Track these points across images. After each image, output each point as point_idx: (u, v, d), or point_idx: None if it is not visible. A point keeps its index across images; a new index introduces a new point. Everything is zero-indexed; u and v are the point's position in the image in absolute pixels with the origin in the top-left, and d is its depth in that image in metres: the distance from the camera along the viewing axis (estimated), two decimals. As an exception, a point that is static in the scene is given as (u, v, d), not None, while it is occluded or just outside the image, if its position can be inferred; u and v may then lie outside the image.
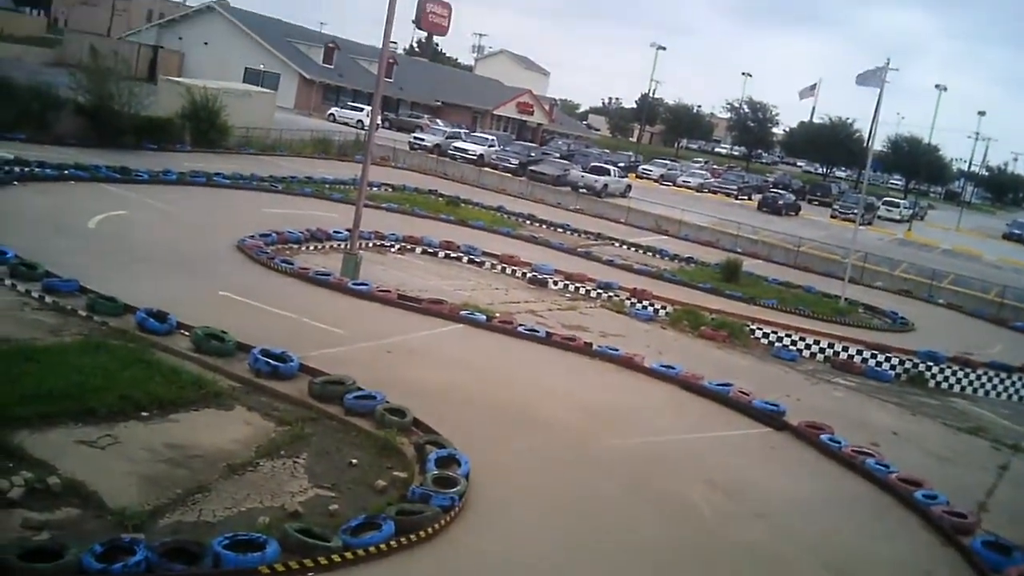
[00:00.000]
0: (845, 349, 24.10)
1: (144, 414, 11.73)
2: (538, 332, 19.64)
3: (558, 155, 65.19)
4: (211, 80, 48.40)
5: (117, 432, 11.10)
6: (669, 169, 79.01)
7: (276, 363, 13.89)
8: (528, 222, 39.24)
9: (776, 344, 24.20)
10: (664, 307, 25.54)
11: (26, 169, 26.74)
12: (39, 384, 11.62)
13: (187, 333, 14.78)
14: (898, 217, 73.80)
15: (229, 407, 12.65)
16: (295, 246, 24.71)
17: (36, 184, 25.85)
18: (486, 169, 53.60)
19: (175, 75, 61.15)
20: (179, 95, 41.18)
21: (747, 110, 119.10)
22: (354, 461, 11.63)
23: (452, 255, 27.99)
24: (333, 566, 8.90)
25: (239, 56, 73.29)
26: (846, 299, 31.45)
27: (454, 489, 10.76)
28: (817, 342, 24.29)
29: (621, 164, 67.15)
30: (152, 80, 55.35)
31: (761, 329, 24.71)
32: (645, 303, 25.62)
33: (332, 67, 78.98)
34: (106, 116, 35.13)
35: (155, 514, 9.41)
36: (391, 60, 75.90)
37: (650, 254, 36.97)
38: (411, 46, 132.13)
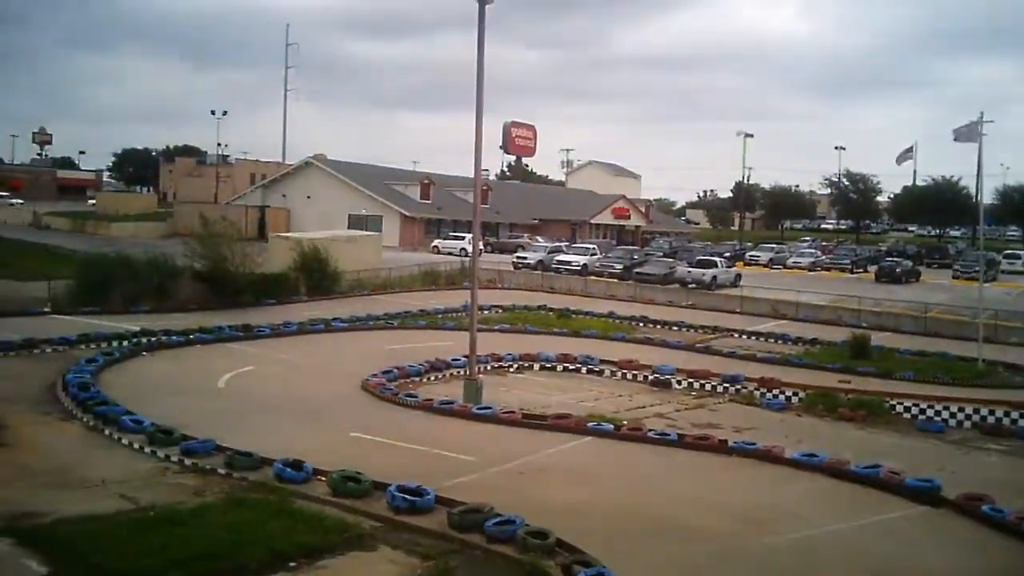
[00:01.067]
0: (992, 412, 22.95)
1: (292, 565, 11.83)
2: (669, 435, 19.26)
3: (661, 254, 65.15)
4: (318, 231, 50.45)
5: (268, 586, 11.20)
6: (777, 252, 77.83)
7: (413, 498, 13.91)
8: (641, 324, 39.01)
9: (919, 417, 23.17)
10: (795, 393, 24.80)
11: (153, 339, 28.01)
12: (188, 547, 11.90)
13: (324, 478, 15.00)
14: (1021, 269, 70.72)
15: (373, 548, 12.67)
16: (417, 378, 25.08)
17: (164, 351, 27.04)
18: (591, 278, 53.84)
19: (283, 231, 63.92)
20: (289, 249, 42.98)
21: (846, 183, 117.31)
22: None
23: (570, 367, 27.92)
24: None
25: (341, 204, 76.26)
26: (984, 360, 30.03)
27: (608, 608, 10.44)
28: (962, 409, 23.18)
29: (727, 254, 66.61)
30: (263, 238, 57.99)
31: (901, 403, 23.72)
32: (775, 392, 24.94)
33: (430, 202, 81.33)
34: (223, 278, 36.78)
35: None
36: (485, 187, 77.82)
37: (772, 340, 36.17)
38: (502, 170, 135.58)
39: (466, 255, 56.98)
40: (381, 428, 19.07)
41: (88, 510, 13.34)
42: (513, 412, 20.65)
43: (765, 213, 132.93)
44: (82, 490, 14.55)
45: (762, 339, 36.52)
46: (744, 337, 36.85)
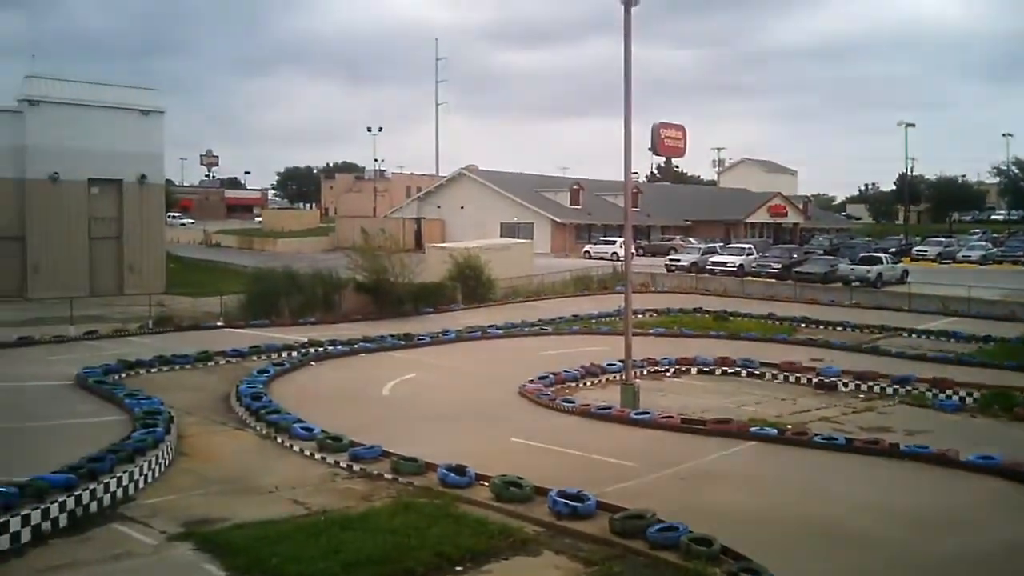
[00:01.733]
0: None
1: (458, 568, 12.06)
2: (836, 439, 18.60)
3: (821, 252, 63.17)
4: (472, 240, 51.32)
5: (435, 589, 11.45)
6: (945, 246, 74.24)
7: (574, 503, 13.93)
8: (802, 325, 37.90)
9: (1106, 417, 21.58)
10: (970, 393, 23.54)
11: (319, 349, 29.17)
12: (358, 551, 12.30)
13: (486, 483, 15.22)
14: None
15: (537, 553, 12.76)
16: (573, 384, 25.15)
17: (330, 361, 28.11)
18: (748, 278, 52.69)
19: (439, 241, 65.36)
20: (445, 259, 43.95)
21: (1016, 171, 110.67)
22: (668, 596, 11.32)
23: (729, 371, 27.37)
24: None
25: (494, 213, 77.41)
26: None
27: (777, 617, 10.17)
28: None
29: (892, 249, 63.97)
30: (420, 249, 59.43)
31: (1088, 402, 22.18)
32: (948, 392, 23.74)
33: (580, 207, 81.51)
34: (384, 289, 37.95)
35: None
36: (635, 190, 77.33)
37: (942, 339, 34.47)
38: (652, 172, 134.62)
39: (618, 259, 56.81)
40: (540, 433, 19.21)
41: (263, 515, 13.98)
42: (672, 417, 20.41)
43: (931, 205, 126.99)
44: (257, 496, 15.26)
45: (932, 337, 34.84)
46: (913, 336, 35.25)
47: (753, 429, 19.36)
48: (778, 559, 11.95)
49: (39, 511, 13.15)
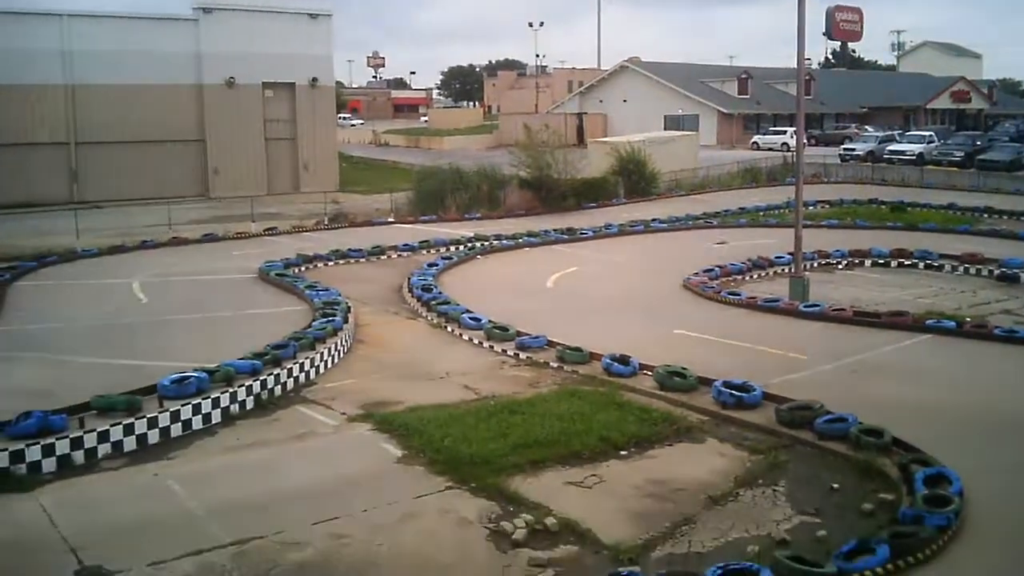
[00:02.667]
0: None
1: (623, 453, 12.33)
2: (1019, 333, 17.72)
3: (1007, 139, 58.94)
4: (634, 134, 50.52)
5: (601, 472, 11.75)
6: None
7: (740, 393, 13.92)
8: (986, 215, 35.83)
9: None
10: None
11: (485, 243, 29.74)
12: (526, 434, 12.73)
13: (649, 373, 15.36)
14: None
15: (701, 440, 12.88)
16: (739, 277, 24.77)
17: (496, 255, 28.64)
18: (928, 167, 49.92)
19: (601, 136, 64.70)
20: (607, 153, 43.53)
21: None
22: (835, 486, 11.25)
23: (906, 263, 26.27)
24: (831, 592, 8.62)
25: (657, 106, 75.75)
26: None
27: (948, 508, 9.95)
28: None
29: (1087, 134, 59.10)
30: (582, 144, 59.07)
31: None
32: None
33: (748, 97, 78.68)
34: (547, 184, 38.06)
35: (647, 547, 9.77)
36: (808, 77, 73.86)
37: None
38: (826, 58, 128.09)
39: (788, 149, 54.86)
40: (704, 325, 19.12)
41: (435, 399, 14.62)
42: (843, 309, 19.86)
43: None
44: (429, 381, 15.93)
45: None
46: (1114, 225, 32.76)
47: (929, 322, 18.65)
48: (951, 451, 11.65)
49: (228, 394, 14.21)
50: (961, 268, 25.35)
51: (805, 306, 20.28)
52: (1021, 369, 16.06)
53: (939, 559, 9.23)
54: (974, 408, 13.86)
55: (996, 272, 24.53)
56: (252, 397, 14.60)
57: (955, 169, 49.30)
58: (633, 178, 42.32)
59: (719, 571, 8.72)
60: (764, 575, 8.64)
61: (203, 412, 13.72)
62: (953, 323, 18.55)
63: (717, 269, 24.49)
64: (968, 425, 13.17)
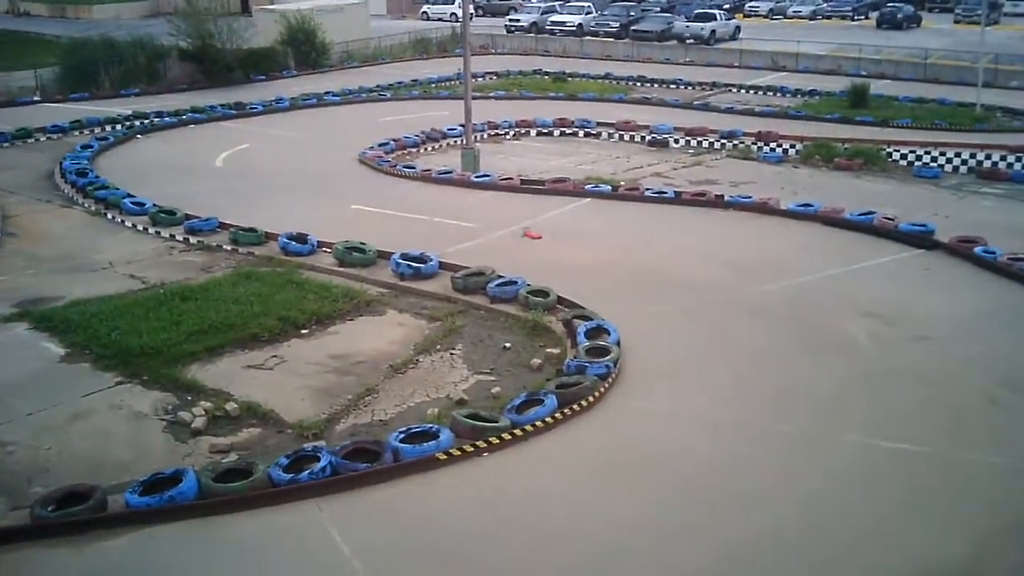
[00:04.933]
0: (988, 157, 22.97)
1: (304, 332, 12.32)
2: (666, 193, 19.42)
3: (659, 9, 62.91)
4: (303, 1, 48.57)
5: (282, 352, 11.71)
6: (777, 2, 75.14)
7: (417, 264, 14.26)
8: (638, 84, 38.32)
9: (916, 164, 23.21)
10: (793, 146, 24.71)
11: (145, 121, 27.73)
12: (201, 320, 12.36)
13: (328, 250, 15.30)
14: (1024, 11, 68.23)
15: (381, 312, 13.13)
16: (413, 149, 24.99)
17: (158, 133, 26.88)
18: (587, 38, 52.34)
19: (268, 4, 61.63)
20: (275, 23, 41.65)
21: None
22: (507, 345, 11.94)
23: (567, 132, 27.69)
24: (504, 444, 9.23)
25: (324, -28, 73.02)
26: (982, 105, 29.73)
27: (608, 357, 10.93)
28: (959, 154, 23.18)
29: (726, 6, 64.34)
30: (247, 13, 55.97)
31: (898, 151, 23.71)
32: (772, 145, 24.83)
33: (416, -35, 77.84)
34: (210, 56, 35.83)
35: (331, 421, 9.95)
36: (473, -55, 74.11)
37: (770, 94, 35.67)
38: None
39: (456, 20, 55.21)
40: (381, 200, 19.22)
41: (99, 292, 13.74)
42: (511, 178, 20.71)
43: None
44: (91, 273, 14.91)
45: (761, 93, 35.98)
46: (743, 92, 36.25)
47: (589, 187, 19.93)
48: (611, 304, 12.71)
49: None
50: (617, 135, 27.14)
51: (476, 176, 20.92)
52: (671, 225, 17.61)
53: (602, 404, 10.15)
54: (628, 264, 15.12)
55: (647, 138, 26.51)
56: None
57: (611, 39, 51.97)
58: (303, 49, 40.85)
59: (401, 435, 9.06)
60: (443, 434, 9.10)
61: None
62: (609, 187, 19.95)
63: (392, 143, 24.52)
64: (623, 280, 14.36)
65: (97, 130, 26.61)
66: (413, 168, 21.86)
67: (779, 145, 24.79)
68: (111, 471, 8.80)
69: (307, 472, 8.51)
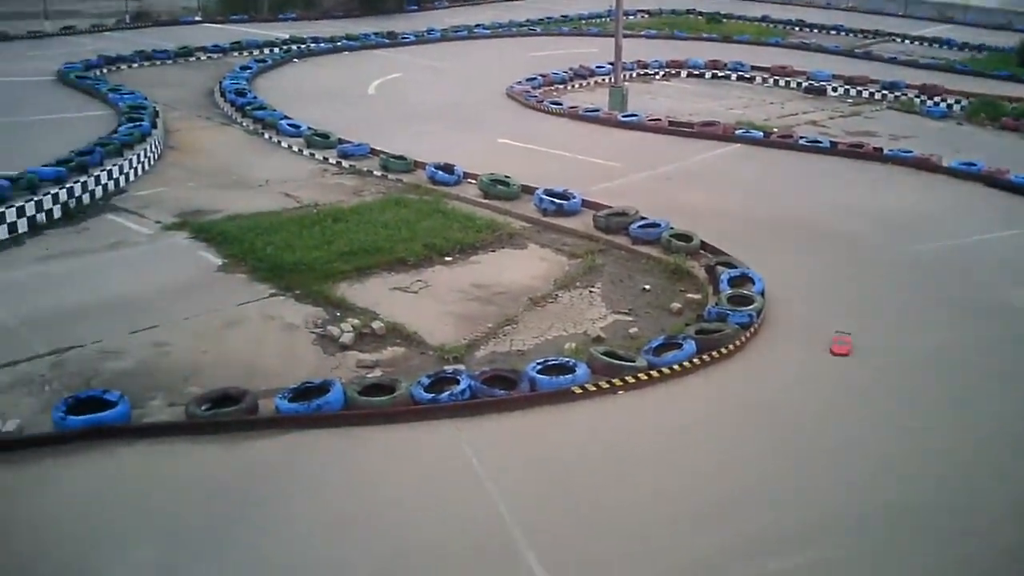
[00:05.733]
0: None
1: (448, 259, 12.54)
2: (821, 143, 18.79)
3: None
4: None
5: (426, 277, 11.95)
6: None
7: (560, 201, 14.27)
8: (797, 28, 37.06)
9: (1092, 126, 21.74)
10: (958, 101, 23.49)
11: (302, 46, 28.44)
12: (351, 241, 12.71)
13: (473, 181, 15.48)
14: None
15: (523, 246, 13.24)
16: (561, 86, 24.87)
17: (313, 58, 27.57)
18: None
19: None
20: (429, -48, 41.84)
21: None
22: (647, 287, 11.88)
23: (720, 74, 27.04)
24: (640, 384, 9.23)
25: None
26: None
27: (751, 307, 10.73)
28: None
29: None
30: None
31: (1072, 111, 22.26)
32: (936, 99, 23.67)
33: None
34: (367, -17, 36.38)
35: (471, 347, 10.13)
36: None
37: (936, 46, 33.90)
38: None
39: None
40: (527, 134, 19.27)
41: (254, 207, 14.29)
42: (659, 119, 20.39)
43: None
44: (247, 189, 15.51)
45: (926, 44, 34.27)
46: (906, 42, 34.63)
47: (739, 131, 19.47)
48: (756, 254, 12.45)
49: (33, 203, 13.38)
50: (771, 80, 26.33)
51: (623, 116, 20.70)
52: (824, 176, 17.07)
53: (742, 354, 10.00)
54: (777, 214, 14.75)
55: (804, 84, 25.64)
56: (59, 206, 13.82)
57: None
58: (457, -20, 41.10)
59: (539, 366, 9.18)
60: (580, 369, 9.17)
61: (7, 221, 12.92)
62: (761, 133, 19.43)
63: (540, 78, 24.45)
64: (771, 230, 14.03)
65: (255, 52, 27.45)
66: (560, 104, 21.78)
67: (943, 100, 23.61)
68: (262, 377, 9.21)
69: (447, 393, 8.72)
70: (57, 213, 13.76)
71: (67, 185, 14.07)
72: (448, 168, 15.79)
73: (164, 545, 6.69)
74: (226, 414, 8.30)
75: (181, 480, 7.53)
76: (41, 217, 13.49)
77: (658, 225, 13.26)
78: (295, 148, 17.87)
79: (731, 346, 9.97)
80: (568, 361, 9.34)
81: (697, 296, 11.59)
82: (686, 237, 12.86)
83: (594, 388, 9.07)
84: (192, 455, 7.86)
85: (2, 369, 9.16)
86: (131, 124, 17.28)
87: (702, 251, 12.74)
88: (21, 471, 7.56)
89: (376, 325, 10.39)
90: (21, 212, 13.15)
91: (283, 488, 7.44)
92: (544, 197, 14.36)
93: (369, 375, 9.39)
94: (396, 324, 10.47)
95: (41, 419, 8.17)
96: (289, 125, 18.51)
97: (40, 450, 7.80)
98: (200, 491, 7.38)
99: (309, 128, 18.25)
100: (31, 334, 9.90)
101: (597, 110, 21.19)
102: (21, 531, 6.86)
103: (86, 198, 14.40)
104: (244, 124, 19.57)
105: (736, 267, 11.93)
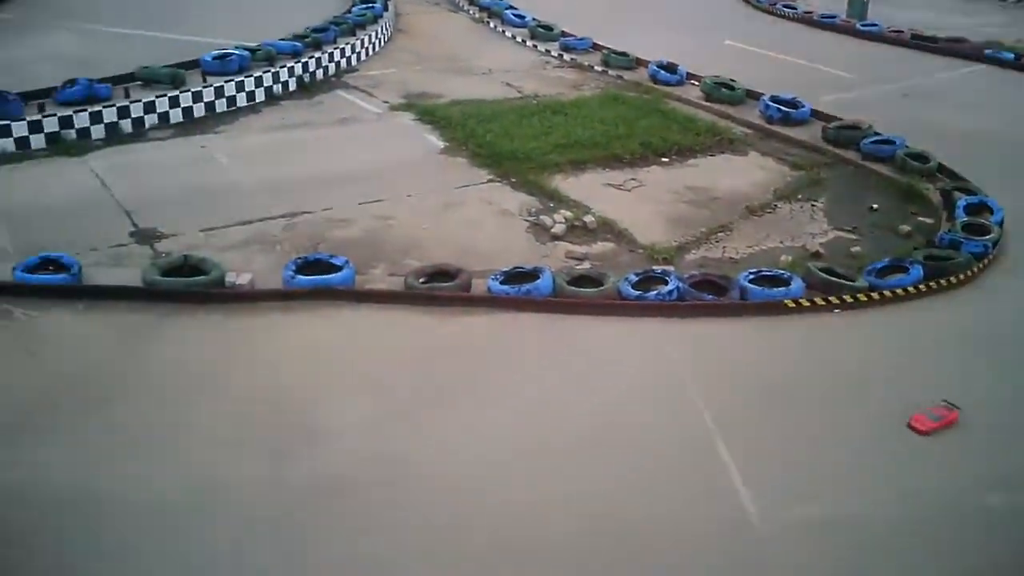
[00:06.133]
0: None
1: (664, 160, 12.33)
2: (1083, 68, 17.09)
3: None
4: None
5: (641, 176, 11.81)
6: None
7: (787, 109, 13.68)
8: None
9: None
10: None
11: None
12: (568, 134, 12.69)
13: (696, 83, 15.04)
14: None
15: (743, 152, 12.83)
16: (796, -11, 23.59)
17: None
18: None
19: None
20: None
21: None
22: (875, 206, 11.30)
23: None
24: (858, 305, 8.84)
25: None
26: None
27: (987, 237, 10.01)
28: None
29: None
30: None
31: None
32: None
33: None
34: None
35: (681, 249, 9.99)
36: None
37: None
38: None
39: None
40: (756, 38, 18.51)
41: (477, 94, 14.47)
42: (901, 31, 19.07)
43: None
44: (470, 76, 15.72)
45: None
46: None
47: (988, 52, 17.94)
48: (996, 183, 11.55)
49: (270, 74, 14.04)
50: (1032, -3, 24.07)
51: (863, 25, 19.50)
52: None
53: (973, 285, 9.38)
54: (1020, 142, 13.59)
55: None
56: (294, 79, 14.47)
57: None
58: None
59: (751, 275, 8.94)
60: (794, 283, 8.87)
61: (247, 90, 13.65)
62: (1012, 55, 17.84)
63: (774, -21, 23.28)
64: (1017, 158, 12.97)
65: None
66: (794, 8, 20.76)
67: None
68: (475, 257, 9.43)
69: (655, 292, 8.66)
70: (292, 86, 14.42)
71: (302, 60, 14.66)
72: (671, 67, 15.40)
73: (380, 401, 7.06)
74: (442, 288, 8.59)
75: (397, 344, 7.89)
76: (277, 88, 14.17)
77: (893, 142, 12.50)
78: (519, 39, 17.90)
79: (961, 276, 9.37)
80: (783, 273, 9.05)
81: (929, 220, 10.92)
82: (923, 157, 12.07)
83: (808, 304, 8.76)
84: (408, 322, 8.19)
85: (237, 227, 9.79)
86: (364, 5, 17.75)
87: (938, 174, 11.95)
88: (252, 320, 8.10)
89: (588, 219, 10.40)
90: (259, 82, 13.85)
91: (489, 362, 7.67)
92: (770, 104, 13.80)
93: (578, 267, 9.45)
94: (607, 220, 10.44)
95: (271, 277, 8.69)
96: (514, 15, 18.52)
97: (270, 304, 8.33)
98: (413, 356, 7.71)
99: (534, 19, 18.19)
100: (266, 197, 10.51)
101: (835, 17, 20.05)
102: (258, 370, 7.38)
103: (320, 73, 15.00)
104: (471, 12, 19.73)
105: (975, 194, 11.12)
